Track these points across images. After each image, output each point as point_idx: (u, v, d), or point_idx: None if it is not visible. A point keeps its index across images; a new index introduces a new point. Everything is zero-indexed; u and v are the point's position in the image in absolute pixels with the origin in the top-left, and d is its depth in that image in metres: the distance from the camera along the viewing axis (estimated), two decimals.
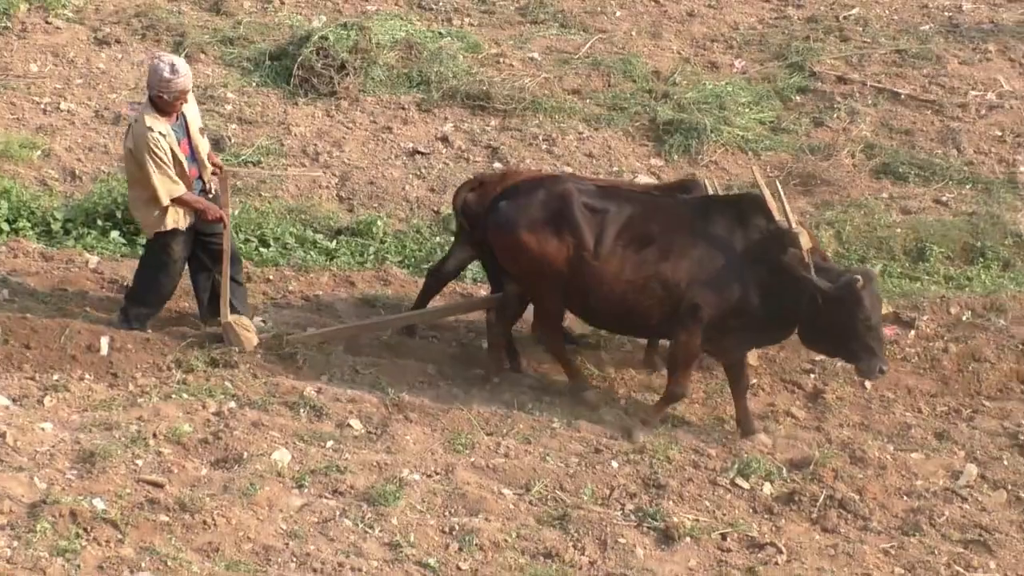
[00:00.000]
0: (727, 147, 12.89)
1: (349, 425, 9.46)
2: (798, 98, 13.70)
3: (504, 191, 9.90)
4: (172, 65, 9.76)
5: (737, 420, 9.75)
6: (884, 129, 13.32)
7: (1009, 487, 9.28)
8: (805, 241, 9.39)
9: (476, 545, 8.33)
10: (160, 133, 9.76)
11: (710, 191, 10.27)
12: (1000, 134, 13.28)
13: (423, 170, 12.50)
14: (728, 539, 8.59)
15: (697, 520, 8.70)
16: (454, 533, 8.42)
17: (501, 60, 13.62)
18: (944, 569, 8.49)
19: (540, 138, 12.75)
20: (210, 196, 10.18)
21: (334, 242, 11.62)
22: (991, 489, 9.28)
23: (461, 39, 14.06)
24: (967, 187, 12.49)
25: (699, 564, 8.39)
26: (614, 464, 9.24)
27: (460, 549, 8.31)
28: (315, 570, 8.05)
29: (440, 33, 14.18)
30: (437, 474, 9.02)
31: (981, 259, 11.81)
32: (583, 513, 8.66)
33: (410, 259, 11.58)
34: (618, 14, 14.97)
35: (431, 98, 13.26)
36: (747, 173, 12.38)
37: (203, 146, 10.18)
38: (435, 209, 11.98)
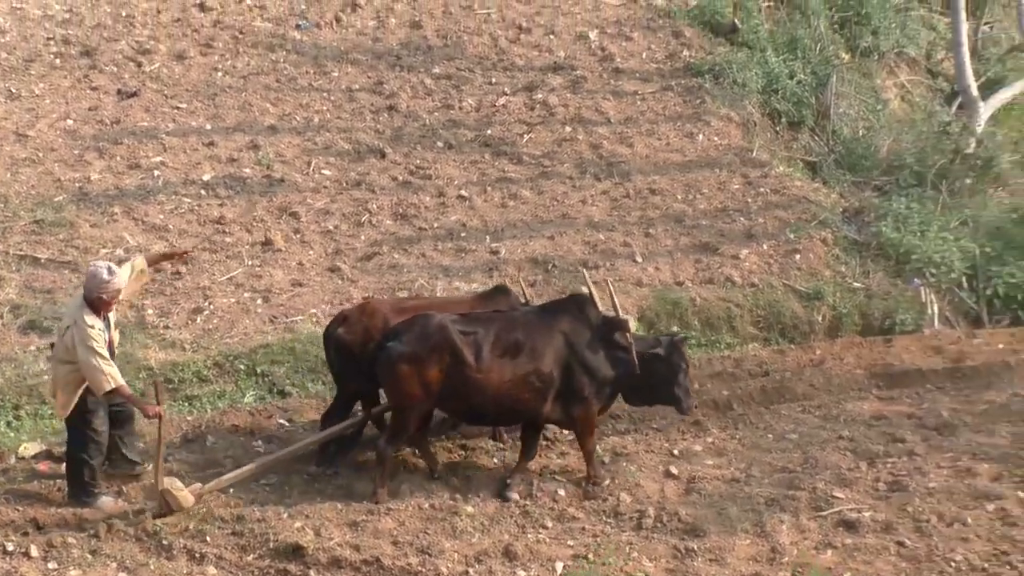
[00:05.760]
0: None
1: None
2: None
3: (389, 332, 10.78)
4: (109, 268, 10.41)
5: (587, 475, 11.04)
6: (28, 291, 13.97)
7: None
8: (631, 325, 11.02)
9: None
10: (100, 329, 10.32)
11: (516, 293, 11.70)
12: None
13: None
14: None
15: None
16: None
17: None
18: None
19: None
20: None
21: None
22: None
23: None
24: None
25: None
26: None
27: None
28: None
29: None
30: None
31: None
32: None
33: None
34: None
35: None
36: None
37: (117, 339, 10.88)
38: None
